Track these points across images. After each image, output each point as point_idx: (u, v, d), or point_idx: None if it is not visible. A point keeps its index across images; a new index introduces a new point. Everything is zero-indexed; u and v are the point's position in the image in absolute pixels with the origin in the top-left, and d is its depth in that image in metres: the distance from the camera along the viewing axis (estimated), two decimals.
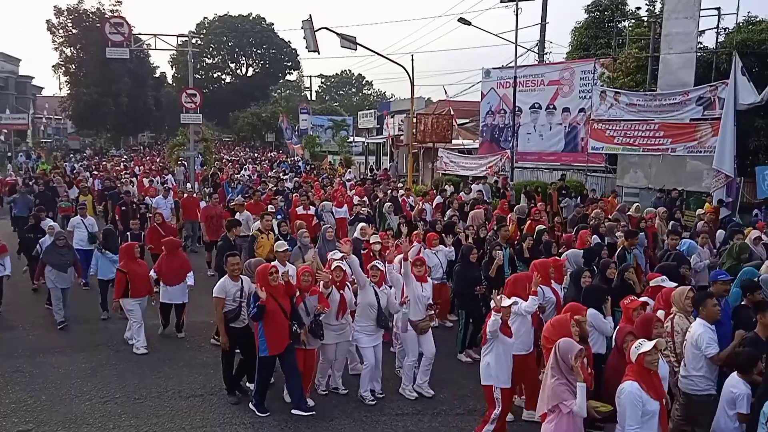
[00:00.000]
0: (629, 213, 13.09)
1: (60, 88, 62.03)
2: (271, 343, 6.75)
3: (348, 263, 7.43)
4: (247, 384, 7.71)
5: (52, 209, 16.50)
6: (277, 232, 10.78)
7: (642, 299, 6.43)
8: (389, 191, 17.38)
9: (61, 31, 56.97)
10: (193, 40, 24.16)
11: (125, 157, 48.11)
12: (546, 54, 26.56)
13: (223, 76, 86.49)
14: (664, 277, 6.99)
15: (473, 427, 6.63)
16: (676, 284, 6.78)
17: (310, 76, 72.87)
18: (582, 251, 9.18)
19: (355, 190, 18.72)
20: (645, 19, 22.32)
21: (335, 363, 7.54)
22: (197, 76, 68.41)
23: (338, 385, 7.69)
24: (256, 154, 54.65)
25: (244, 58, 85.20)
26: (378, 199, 15.79)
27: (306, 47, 22.10)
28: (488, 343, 6.11)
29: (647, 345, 4.70)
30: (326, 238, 10.34)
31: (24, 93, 63.17)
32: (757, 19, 18.05)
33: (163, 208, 15.28)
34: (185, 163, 26.79)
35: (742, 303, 6.61)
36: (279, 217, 12.55)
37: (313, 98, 75.34)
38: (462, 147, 27.34)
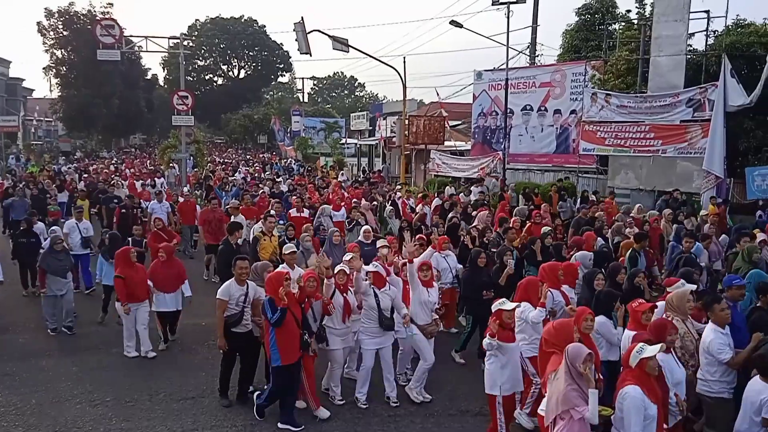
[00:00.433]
0: (632, 215, 12.92)
1: (51, 90, 61.90)
2: (284, 353, 6.53)
3: (355, 279, 7.33)
4: (250, 390, 7.57)
5: (45, 213, 16.31)
6: (283, 236, 10.61)
7: (660, 302, 6.37)
8: (388, 194, 17.12)
9: (51, 33, 56.73)
10: (185, 42, 24.12)
11: (115, 159, 47.83)
12: (537, 56, 26.69)
13: (215, 78, 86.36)
14: (683, 281, 6.88)
15: (466, 429, 6.64)
16: (695, 287, 6.69)
17: (303, 78, 72.79)
18: (592, 254, 8.97)
19: (352, 193, 18.28)
20: (635, 21, 22.47)
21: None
22: (189, 78, 68.24)
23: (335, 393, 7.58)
24: (248, 156, 54.54)
25: (236, 60, 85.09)
26: (378, 203, 15.46)
27: (298, 49, 22.17)
28: (489, 353, 6.11)
29: (649, 350, 4.66)
30: (333, 243, 10.05)
31: (14, 95, 62.85)
32: (746, 22, 18.20)
33: (158, 212, 14.82)
34: (176, 165, 26.70)
35: (757, 305, 6.56)
36: (281, 222, 12.13)
37: (306, 100, 75.27)
38: (454, 149, 27.41)
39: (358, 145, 42.63)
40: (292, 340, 6.58)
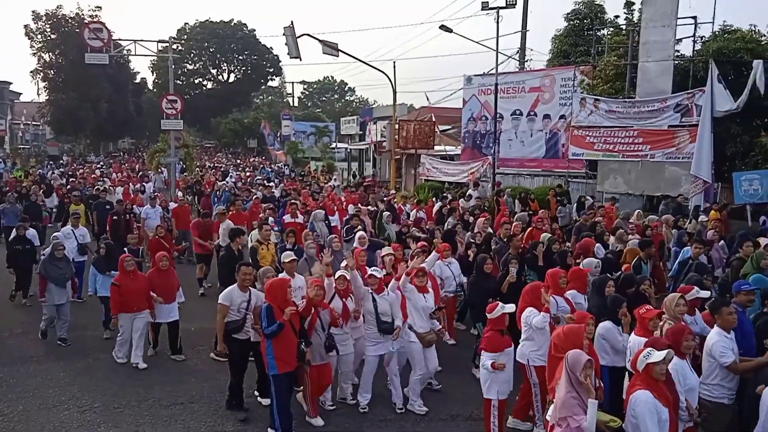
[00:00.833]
0: (631, 220, 12.66)
1: (38, 94, 61.23)
2: (280, 361, 6.38)
3: (352, 278, 7.28)
4: (258, 399, 7.48)
5: (39, 219, 15.83)
6: (280, 243, 10.45)
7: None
8: (384, 199, 16.79)
9: (39, 36, 56.30)
10: (174, 46, 24.00)
11: (102, 163, 47.48)
12: (527, 61, 26.84)
13: (205, 82, 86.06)
14: (697, 288, 6.80)
15: None
16: (708, 293, 6.66)
17: (293, 83, 73.22)
18: (599, 261, 8.82)
19: (348, 199, 17.92)
20: (623, 27, 22.65)
21: (342, 374, 7.43)
22: (178, 81, 68.07)
23: (346, 395, 7.57)
24: (238, 161, 54.39)
25: (225, 64, 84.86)
26: (376, 210, 15.02)
27: (288, 53, 22.15)
28: (486, 358, 6.14)
29: (655, 355, 4.62)
30: (333, 249, 9.72)
31: (1, 99, 62.43)
32: (733, 29, 18.39)
33: (152, 217, 14.56)
34: (164, 169, 26.53)
35: (764, 311, 6.52)
36: (276, 228, 11.97)
37: (296, 104, 75.38)
38: (444, 153, 27.48)
39: (348, 150, 42.63)
40: (289, 349, 6.45)
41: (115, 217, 14.05)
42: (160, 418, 7.18)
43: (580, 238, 10.72)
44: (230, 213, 13.49)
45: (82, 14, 54.99)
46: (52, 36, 55.88)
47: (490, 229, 11.89)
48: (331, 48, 22.44)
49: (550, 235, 10.58)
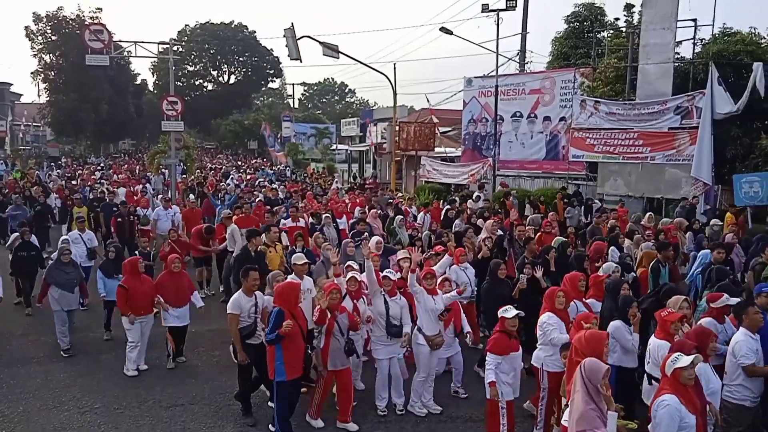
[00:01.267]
0: (643, 223, 12.51)
1: (39, 95, 61.40)
2: (290, 367, 6.33)
3: (366, 268, 7.31)
4: (269, 403, 7.36)
5: (47, 222, 15.75)
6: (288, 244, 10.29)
7: (706, 319, 6.27)
8: (390, 201, 16.39)
9: (40, 37, 56.34)
10: (175, 48, 23.98)
11: (102, 164, 47.44)
12: (527, 63, 26.86)
13: (205, 84, 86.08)
14: (727, 296, 6.69)
15: None
16: (738, 300, 6.56)
17: (293, 84, 73.15)
18: (618, 266, 8.61)
19: (353, 202, 17.49)
20: (623, 29, 22.69)
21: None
22: (179, 83, 68.14)
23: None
24: (239, 162, 54.37)
25: (226, 66, 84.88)
26: (385, 213, 14.75)
27: (288, 55, 22.16)
28: (490, 359, 6.11)
29: (684, 360, 4.51)
30: (347, 254, 9.47)
31: (2, 100, 62.48)
32: (732, 31, 18.41)
33: (164, 220, 14.18)
34: (165, 171, 26.50)
35: None
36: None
37: (296, 106, 75.39)
38: (444, 155, 27.48)
39: (348, 151, 42.65)
40: (297, 355, 6.41)
41: (119, 219, 13.82)
42: (160, 419, 7.18)
43: (593, 242, 10.32)
44: (238, 217, 13.06)
45: (83, 16, 55.06)
46: (53, 37, 55.92)
47: (500, 232, 11.64)
48: (331, 50, 22.45)
49: (563, 239, 10.42)
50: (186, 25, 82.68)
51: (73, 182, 25.56)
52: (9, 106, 63.09)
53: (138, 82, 72.94)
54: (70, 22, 55.33)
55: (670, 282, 8.51)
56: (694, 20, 17.92)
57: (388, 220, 13.68)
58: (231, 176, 32.05)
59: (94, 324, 10.27)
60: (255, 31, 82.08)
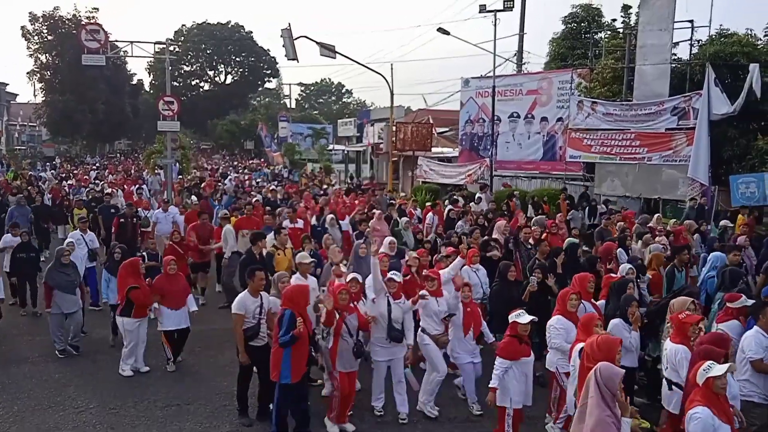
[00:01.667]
0: (651, 225, 12.20)
1: (35, 95, 61.34)
2: (295, 370, 6.25)
3: (372, 264, 7.22)
4: (271, 406, 7.19)
5: (49, 222, 15.56)
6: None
7: (733, 322, 6.20)
8: (391, 202, 16.00)
9: (36, 37, 56.38)
10: (171, 48, 23.95)
11: (98, 165, 47.28)
12: (524, 64, 26.94)
13: (202, 84, 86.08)
14: (745, 297, 6.64)
15: None
16: (753, 302, 6.51)
17: (290, 84, 73.38)
18: (633, 267, 8.37)
19: (352, 203, 17.20)
20: (620, 30, 22.70)
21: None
22: (175, 83, 68.00)
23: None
24: (235, 162, 54.32)
25: (222, 66, 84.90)
26: (391, 216, 14.19)
27: (285, 55, 22.13)
28: (499, 364, 6.06)
29: (717, 369, 4.40)
30: (359, 256, 9.15)
31: None
32: (729, 32, 18.42)
33: (162, 222, 13.82)
34: (161, 171, 26.41)
35: None
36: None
37: (293, 106, 75.28)
38: (441, 155, 27.51)
39: (345, 152, 42.66)
40: (302, 358, 6.33)
41: (122, 221, 13.54)
42: (156, 419, 7.14)
43: (602, 244, 10.18)
44: (240, 218, 12.59)
45: (79, 16, 55.13)
46: (49, 37, 55.93)
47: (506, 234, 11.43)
48: (328, 50, 22.44)
49: (575, 241, 10.26)
50: (182, 25, 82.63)
51: (69, 183, 25.33)
52: (5, 106, 62.75)
53: (134, 82, 73.07)
54: (67, 21, 55.35)
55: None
56: (691, 21, 17.96)
57: (392, 222, 13.39)
58: (229, 177, 31.90)
59: (89, 324, 10.19)
60: (252, 31, 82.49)
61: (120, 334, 8.78)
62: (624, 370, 4.41)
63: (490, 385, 6.06)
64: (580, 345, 5.46)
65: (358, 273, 7.64)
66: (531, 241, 10.33)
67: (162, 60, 24.11)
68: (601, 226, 12.70)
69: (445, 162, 25.94)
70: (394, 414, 7.18)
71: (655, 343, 7.20)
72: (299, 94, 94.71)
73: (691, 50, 18.38)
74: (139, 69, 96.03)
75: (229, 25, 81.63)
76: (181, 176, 27.75)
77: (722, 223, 12.64)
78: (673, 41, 17.92)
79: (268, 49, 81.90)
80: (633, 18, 21.78)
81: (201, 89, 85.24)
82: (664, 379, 5.82)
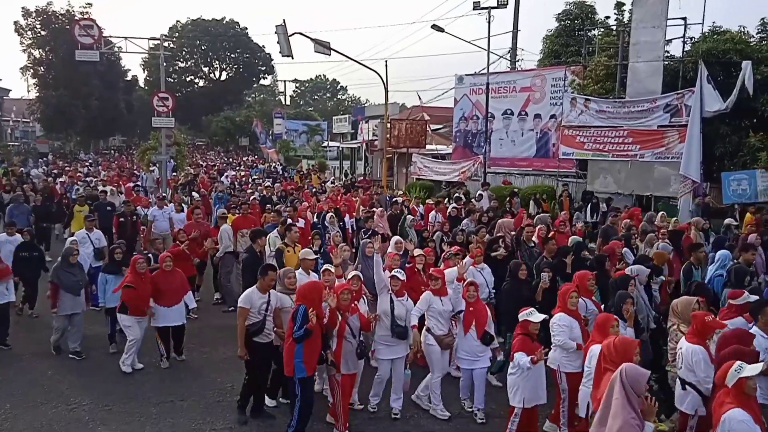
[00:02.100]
0: (656, 222, 11.91)
1: (28, 91, 61.11)
2: (308, 364, 6.26)
3: (374, 261, 7.18)
4: (268, 401, 7.35)
5: (49, 221, 15.31)
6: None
7: (738, 319, 6.12)
8: (397, 201, 15.74)
9: (29, 32, 56.03)
10: (166, 44, 23.89)
11: (91, 161, 47.04)
12: (518, 61, 26.96)
13: (196, 80, 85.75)
14: (747, 293, 6.63)
15: (445, 430, 6.63)
16: (757, 297, 6.44)
17: (285, 81, 73.26)
18: (648, 270, 8.15)
19: (351, 200, 16.76)
20: (614, 28, 22.76)
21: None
22: (170, 79, 67.81)
23: (354, 400, 7.28)
24: (231, 159, 54.22)
25: (217, 62, 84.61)
26: (399, 213, 14.04)
27: (280, 52, 22.09)
28: (520, 356, 5.97)
29: (749, 369, 4.27)
30: (366, 255, 8.93)
31: None
32: (722, 30, 18.49)
33: (160, 220, 13.55)
34: (155, 168, 26.36)
35: None
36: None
37: (288, 103, 75.31)
38: (436, 152, 27.53)
39: (340, 148, 42.64)
40: (315, 354, 6.32)
41: (121, 219, 13.31)
42: (149, 416, 7.17)
43: (607, 242, 10.10)
44: (237, 217, 12.35)
45: (73, 11, 54.82)
46: (43, 32, 55.61)
47: (513, 232, 11.32)
48: (323, 47, 22.40)
49: (579, 240, 10.12)
50: (177, 21, 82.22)
51: (61, 180, 25.06)
52: None
53: (128, 78, 72.58)
54: (60, 17, 55.04)
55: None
56: (684, 19, 17.98)
57: (402, 219, 13.18)
58: (225, 174, 31.77)
59: (84, 322, 10.15)
60: (247, 28, 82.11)
61: (118, 340, 8.81)
62: (650, 372, 4.32)
63: (523, 365, 5.89)
64: (597, 347, 5.41)
65: (365, 272, 7.67)
66: (534, 239, 10.19)
67: (156, 56, 24.04)
68: (607, 224, 12.50)
69: (439, 159, 25.98)
70: (388, 410, 7.22)
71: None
72: (294, 91, 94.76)
73: (683, 47, 18.45)
74: (133, 65, 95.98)
75: (224, 22, 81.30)
76: (175, 173, 27.73)
77: (726, 221, 12.51)
78: (666, 38, 17.96)
79: (263, 46, 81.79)
80: (626, 15, 21.83)
81: (196, 85, 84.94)
82: (677, 379, 5.73)
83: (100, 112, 57.98)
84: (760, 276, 9.20)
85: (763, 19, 18.01)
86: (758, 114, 16.32)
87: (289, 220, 11.85)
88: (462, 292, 7.20)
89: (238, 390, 7.52)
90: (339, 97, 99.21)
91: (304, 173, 32.98)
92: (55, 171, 32.84)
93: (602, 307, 7.19)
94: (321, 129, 53.16)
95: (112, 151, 68.15)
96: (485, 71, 22.43)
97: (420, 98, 31.43)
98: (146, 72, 77.54)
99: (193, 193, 19.24)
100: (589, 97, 19.17)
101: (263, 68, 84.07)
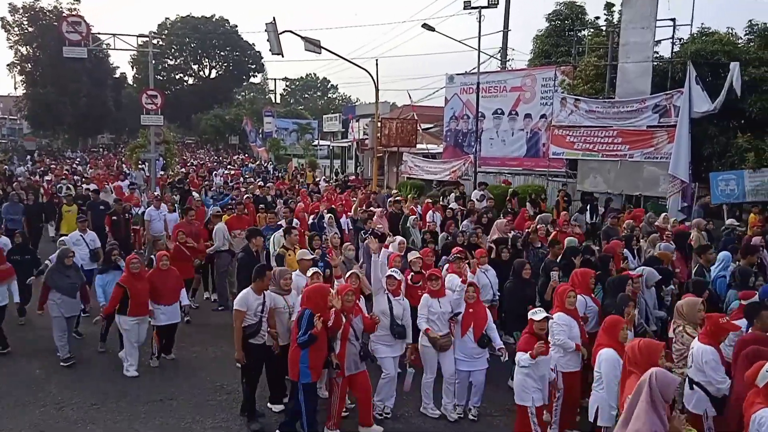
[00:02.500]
0: (657, 223, 11.81)
1: (15, 88, 60.40)
2: (313, 369, 6.19)
3: (374, 263, 7.11)
4: (269, 405, 7.28)
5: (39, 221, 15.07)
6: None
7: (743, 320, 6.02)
8: (398, 201, 15.39)
9: (16, 29, 55.55)
10: (155, 41, 23.78)
11: (79, 159, 46.61)
12: (508, 61, 27.02)
13: (186, 78, 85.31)
14: (758, 295, 6.57)
15: (437, 428, 6.63)
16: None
17: (275, 79, 72.77)
18: (659, 276, 8.06)
19: (346, 200, 16.54)
20: (603, 28, 22.87)
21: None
22: (159, 77, 67.38)
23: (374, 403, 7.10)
24: (221, 158, 53.97)
25: (207, 60, 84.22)
26: (400, 213, 13.94)
27: (270, 50, 22.05)
28: (521, 356, 5.94)
29: None
30: (369, 254, 8.82)
31: None
32: (710, 31, 18.61)
33: (156, 220, 13.24)
34: (144, 166, 26.19)
35: None
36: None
37: (278, 101, 74.99)
38: (426, 151, 27.54)
39: (330, 147, 42.57)
40: (321, 359, 6.26)
41: (114, 218, 13.07)
42: (138, 414, 7.13)
43: (609, 243, 9.97)
44: (231, 217, 12.17)
45: (61, 7, 54.39)
46: (30, 29, 55.13)
47: (512, 233, 11.27)
48: (313, 45, 22.39)
49: (575, 241, 9.93)
50: (166, 19, 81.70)
51: (47, 178, 24.74)
52: None
53: (117, 75, 72.10)
54: (48, 13, 54.59)
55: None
56: (673, 20, 18.08)
57: (403, 219, 13.06)
58: (215, 172, 31.56)
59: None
60: (236, 25, 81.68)
61: (113, 340, 8.72)
62: (680, 378, 4.32)
63: (524, 363, 5.87)
64: (608, 351, 5.38)
65: (369, 271, 7.63)
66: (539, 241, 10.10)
67: (145, 53, 23.92)
68: (607, 224, 12.41)
69: (429, 158, 26.01)
70: (392, 411, 7.20)
71: None
72: (284, 89, 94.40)
73: (672, 48, 18.55)
74: (122, 62, 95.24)
75: (214, 19, 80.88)
76: (163, 172, 27.52)
77: (728, 222, 12.44)
78: (655, 39, 18.05)
79: (253, 44, 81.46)
80: (616, 16, 21.94)
81: (185, 83, 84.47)
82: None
83: (88, 110, 57.54)
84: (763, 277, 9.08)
85: (750, 20, 18.13)
86: (746, 115, 16.44)
87: (283, 222, 11.67)
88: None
89: (228, 389, 7.52)
90: (329, 95, 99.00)
91: (299, 171, 32.71)
92: (41, 169, 32.34)
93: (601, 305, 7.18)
94: (311, 128, 53.03)
95: (101, 149, 67.56)
96: (476, 71, 22.47)
97: (411, 97, 31.58)
98: (135, 69, 77.06)
99: (194, 193, 18.68)
100: (579, 97, 19.25)
101: (253, 66, 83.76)
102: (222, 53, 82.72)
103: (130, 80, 78.26)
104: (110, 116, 65.08)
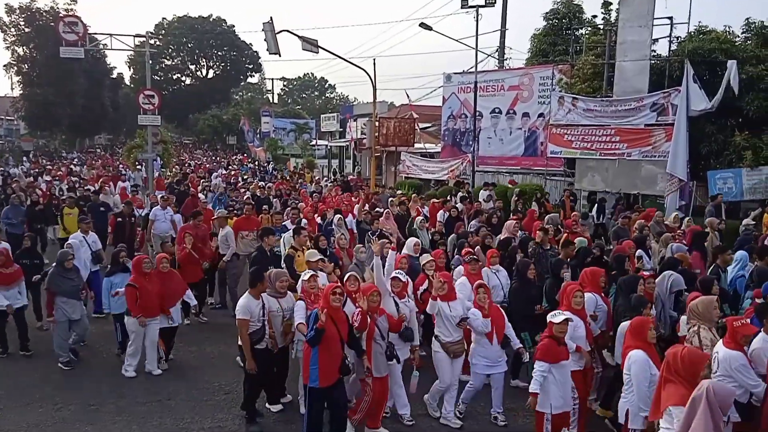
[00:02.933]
0: (666, 223, 11.70)
1: (12, 88, 60.31)
2: (323, 373, 5.92)
3: (374, 265, 6.99)
4: (267, 405, 7.24)
5: (44, 223, 14.75)
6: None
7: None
8: (404, 202, 15.33)
9: (12, 29, 55.40)
10: (152, 41, 23.70)
11: (76, 160, 46.50)
12: (506, 60, 27.05)
13: (183, 78, 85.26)
14: None
15: (436, 429, 6.61)
16: None
17: (272, 79, 72.83)
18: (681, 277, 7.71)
19: (350, 200, 16.45)
20: (601, 27, 22.87)
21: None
22: (156, 77, 67.31)
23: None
24: (220, 158, 53.90)
25: (204, 60, 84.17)
26: (406, 214, 13.86)
27: (267, 49, 22.00)
28: (537, 367, 5.78)
29: None
30: (382, 255, 8.57)
31: None
32: (708, 29, 18.63)
33: (161, 220, 13.09)
34: (142, 166, 26.13)
35: None
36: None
37: (275, 101, 75.03)
38: (424, 151, 27.56)
39: (328, 147, 42.57)
40: (333, 361, 6.00)
41: (119, 220, 12.96)
42: (136, 415, 7.11)
43: (620, 243, 9.83)
44: (238, 218, 11.99)
45: (57, 8, 54.23)
46: (26, 29, 55.00)
47: (520, 233, 11.15)
48: (310, 44, 22.35)
49: (583, 240, 9.86)
50: (163, 18, 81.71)
51: (45, 179, 24.64)
52: None
53: (114, 75, 72.02)
54: (44, 13, 54.45)
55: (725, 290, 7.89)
56: (670, 18, 18.10)
57: (410, 221, 12.91)
58: (215, 173, 31.39)
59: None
60: (234, 25, 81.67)
61: (111, 341, 8.71)
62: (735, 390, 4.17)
63: (531, 390, 5.76)
64: (637, 352, 5.28)
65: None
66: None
67: (142, 54, 23.83)
68: (618, 224, 12.24)
69: (427, 157, 26.01)
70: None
71: None
72: (282, 89, 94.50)
73: (670, 47, 18.56)
74: (119, 63, 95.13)
75: (211, 19, 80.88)
76: (163, 170, 27.48)
77: (744, 221, 12.30)
78: (653, 38, 18.05)
79: (251, 44, 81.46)
80: (613, 15, 21.96)
81: (182, 83, 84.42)
82: None
83: (85, 110, 57.46)
84: None
85: (748, 19, 18.17)
86: (743, 113, 16.46)
87: (289, 223, 11.56)
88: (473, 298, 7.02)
89: (226, 388, 7.50)
90: (327, 95, 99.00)
91: (298, 172, 32.52)
92: (36, 170, 32.01)
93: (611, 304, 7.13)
94: (309, 127, 53.08)
95: (98, 150, 67.44)
96: (473, 70, 22.46)
97: (408, 96, 31.41)
98: (132, 70, 76.99)
99: (201, 195, 17.96)
100: (577, 96, 19.24)
101: (250, 66, 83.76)
102: (219, 53, 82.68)
103: (127, 80, 78.22)
104: (107, 117, 65.01)
